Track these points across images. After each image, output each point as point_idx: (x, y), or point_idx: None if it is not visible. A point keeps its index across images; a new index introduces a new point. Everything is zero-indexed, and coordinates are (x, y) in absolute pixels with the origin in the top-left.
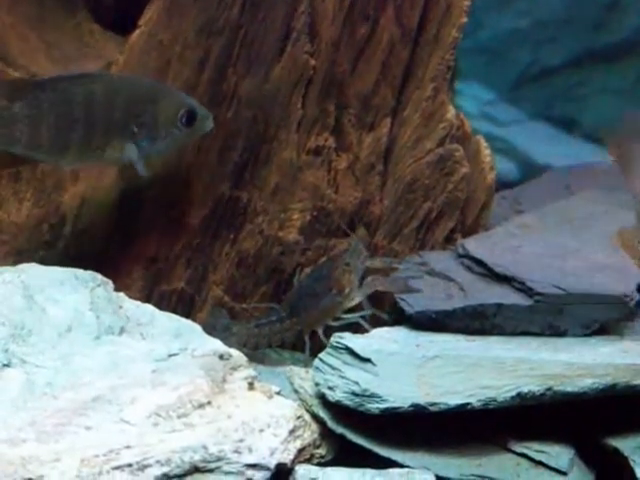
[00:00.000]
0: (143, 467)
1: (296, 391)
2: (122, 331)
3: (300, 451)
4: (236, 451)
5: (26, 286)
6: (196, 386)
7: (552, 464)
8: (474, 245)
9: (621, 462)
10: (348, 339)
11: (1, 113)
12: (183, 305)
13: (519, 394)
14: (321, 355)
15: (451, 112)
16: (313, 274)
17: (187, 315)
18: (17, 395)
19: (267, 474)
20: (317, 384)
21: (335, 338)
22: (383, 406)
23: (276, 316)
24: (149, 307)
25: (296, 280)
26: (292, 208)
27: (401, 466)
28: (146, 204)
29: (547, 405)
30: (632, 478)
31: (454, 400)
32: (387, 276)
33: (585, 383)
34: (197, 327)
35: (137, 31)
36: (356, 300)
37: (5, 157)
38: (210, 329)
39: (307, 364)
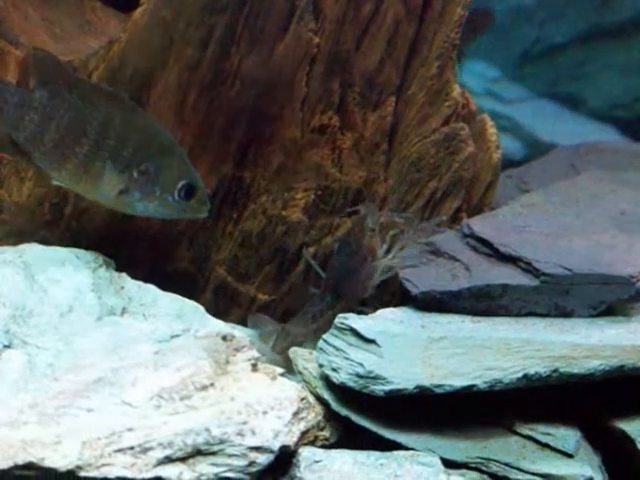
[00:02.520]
0: (145, 450)
1: (300, 372)
2: (124, 312)
3: (304, 433)
4: (239, 433)
5: (27, 266)
6: (199, 368)
7: (558, 446)
8: (480, 225)
9: (628, 444)
10: (352, 320)
11: (22, 93)
12: (186, 285)
13: (525, 376)
14: (325, 336)
15: (456, 90)
16: (342, 252)
17: (190, 295)
18: (18, 377)
19: (270, 457)
20: (321, 365)
21: (339, 319)
22: (388, 388)
23: (324, 303)
24: (151, 287)
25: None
26: (296, 187)
27: (406, 448)
28: None
29: (553, 387)
30: (638, 460)
31: (460, 382)
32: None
33: (592, 365)
34: (200, 308)
35: (140, 8)
36: (390, 257)
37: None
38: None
39: None
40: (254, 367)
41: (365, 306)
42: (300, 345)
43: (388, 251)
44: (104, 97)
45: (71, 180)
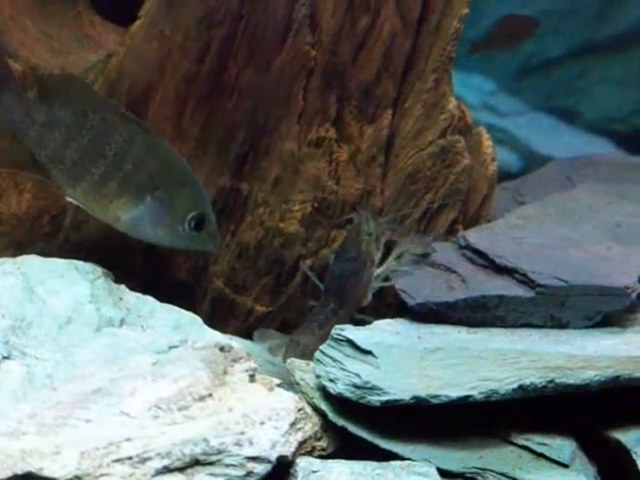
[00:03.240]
0: (143, 460)
1: (297, 383)
2: (122, 323)
3: (301, 444)
4: (237, 444)
5: (26, 278)
6: (197, 378)
7: (554, 456)
8: (476, 236)
9: (623, 455)
10: (349, 331)
11: (48, 112)
12: (184, 297)
13: (521, 386)
14: (322, 347)
15: (452, 103)
16: (341, 258)
17: (188, 307)
18: (17, 387)
19: (268, 467)
20: (318, 376)
21: (336, 330)
22: (384, 398)
23: (328, 310)
24: (149, 299)
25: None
26: (293, 199)
27: (402, 459)
28: None
29: (549, 397)
30: (634, 471)
31: (456, 392)
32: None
33: (587, 375)
34: (198, 319)
35: (138, 22)
36: (388, 263)
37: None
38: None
39: None
40: (252, 378)
41: (364, 314)
42: (310, 354)
43: (383, 258)
44: (126, 122)
45: (84, 199)
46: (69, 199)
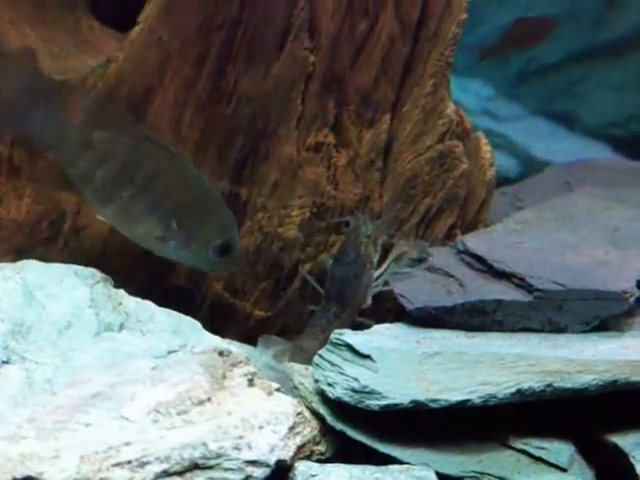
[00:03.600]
0: (143, 464)
1: (296, 388)
2: (122, 328)
3: (300, 448)
4: (236, 448)
5: (26, 283)
6: (196, 383)
7: (552, 460)
8: (474, 241)
9: (621, 458)
10: (348, 335)
11: (83, 133)
12: (183, 302)
13: (519, 391)
14: (321, 352)
15: (451, 108)
16: (340, 262)
17: (187, 312)
18: (16, 392)
19: (267, 471)
20: (317, 381)
21: (335, 334)
22: (383, 403)
23: (330, 314)
24: (149, 304)
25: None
26: (292, 204)
27: (401, 463)
28: None
29: (547, 401)
30: (632, 475)
31: (454, 397)
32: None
33: (585, 379)
34: (197, 324)
35: (136, 27)
36: (387, 263)
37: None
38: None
39: None
40: (250, 382)
41: (364, 317)
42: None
43: (381, 260)
44: (156, 148)
45: (113, 219)
46: (99, 218)
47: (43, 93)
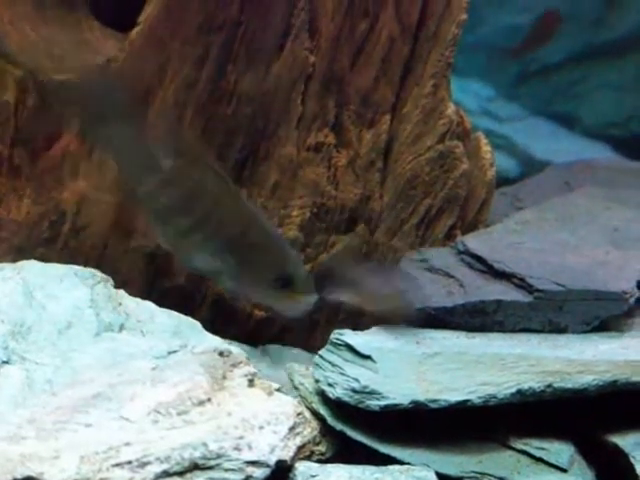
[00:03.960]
0: (143, 464)
1: (296, 388)
2: (122, 328)
3: (300, 448)
4: (236, 448)
5: (26, 283)
6: (196, 383)
7: (552, 461)
8: (474, 242)
9: (621, 459)
10: (348, 336)
11: (152, 158)
12: (183, 302)
13: (519, 391)
14: (321, 352)
15: (451, 108)
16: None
17: (187, 312)
18: (16, 392)
19: (267, 471)
20: (317, 381)
21: (335, 335)
22: (383, 403)
23: None
24: (149, 304)
25: None
26: (292, 205)
27: (401, 463)
28: None
29: (547, 402)
30: (632, 475)
31: (454, 397)
32: None
33: (585, 380)
34: (197, 324)
35: (137, 28)
36: None
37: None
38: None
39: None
40: (250, 382)
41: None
42: None
43: None
44: (217, 181)
45: (171, 246)
46: (160, 242)
47: (124, 108)
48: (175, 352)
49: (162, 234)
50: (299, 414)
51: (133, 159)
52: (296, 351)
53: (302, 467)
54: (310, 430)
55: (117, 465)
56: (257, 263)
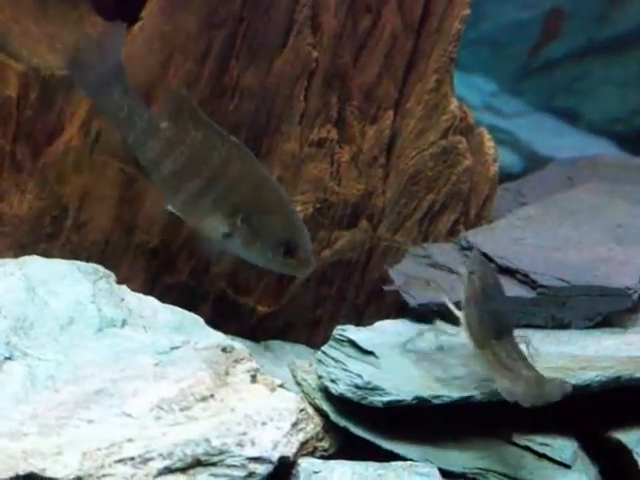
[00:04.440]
0: (145, 460)
1: (299, 384)
2: (124, 324)
3: (303, 444)
4: (239, 444)
5: (28, 279)
6: (198, 379)
7: (556, 457)
8: (477, 237)
9: (624, 455)
10: (351, 332)
11: (150, 120)
12: (185, 298)
13: None
14: (324, 348)
15: (454, 104)
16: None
17: (189, 308)
18: (19, 388)
19: (270, 467)
20: (320, 377)
21: (338, 331)
22: (386, 399)
23: None
24: (151, 300)
25: None
26: (295, 200)
27: (404, 459)
28: (147, 196)
29: None
30: (635, 471)
31: (457, 393)
32: None
33: (588, 376)
34: (199, 320)
35: (139, 23)
36: None
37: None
38: None
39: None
40: (253, 378)
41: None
42: None
43: None
44: (225, 143)
45: (181, 211)
46: (168, 208)
47: (119, 72)
48: (178, 348)
49: (171, 201)
50: (302, 410)
51: (133, 125)
52: (299, 347)
53: (305, 463)
54: (313, 426)
55: (119, 461)
56: (266, 227)
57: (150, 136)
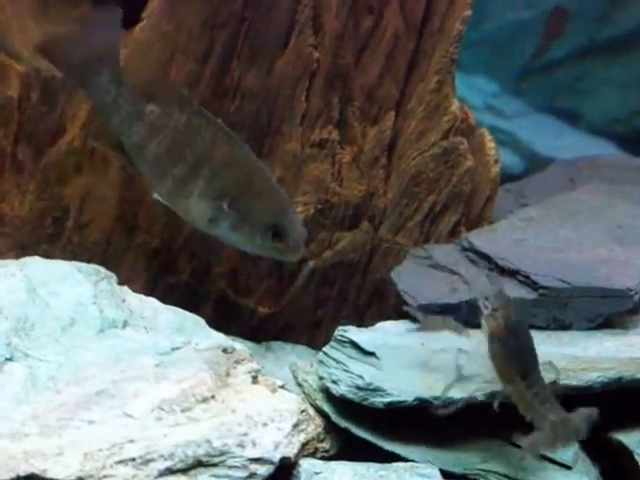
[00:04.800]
0: (147, 461)
1: (300, 385)
2: (125, 325)
3: (304, 445)
4: (240, 445)
5: (29, 280)
6: (200, 380)
7: (557, 458)
8: (478, 238)
9: (626, 456)
10: (352, 333)
11: (136, 103)
12: (186, 299)
13: None
14: (325, 349)
15: (455, 105)
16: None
17: (190, 309)
18: (20, 389)
19: (271, 468)
20: (321, 378)
21: (339, 331)
22: (387, 400)
23: None
24: (152, 300)
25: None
26: (296, 201)
27: (405, 460)
28: (148, 197)
29: None
30: (636, 472)
31: (459, 394)
32: None
33: (590, 377)
34: (201, 321)
35: (141, 23)
36: None
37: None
38: None
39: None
40: (254, 379)
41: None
42: None
43: None
44: (211, 126)
45: (167, 198)
46: (155, 197)
47: (114, 56)
48: (179, 349)
49: (157, 189)
50: (303, 411)
51: (114, 103)
52: (300, 348)
53: (306, 464)
54: (314, 427)
55: (121, 462)
56: (253, 211)
57: (132, 121)
